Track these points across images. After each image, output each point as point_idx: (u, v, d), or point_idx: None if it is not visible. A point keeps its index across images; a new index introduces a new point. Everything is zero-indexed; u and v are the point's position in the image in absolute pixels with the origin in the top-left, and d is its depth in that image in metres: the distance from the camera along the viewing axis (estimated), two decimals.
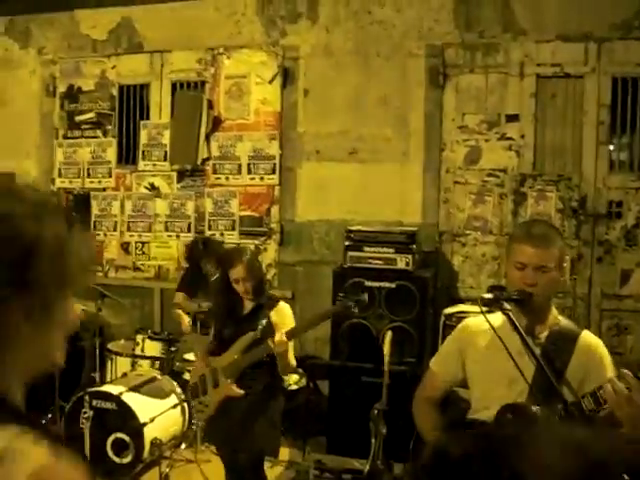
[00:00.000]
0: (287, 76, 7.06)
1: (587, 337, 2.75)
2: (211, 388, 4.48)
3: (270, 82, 7.11)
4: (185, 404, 5.81)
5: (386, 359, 5.17)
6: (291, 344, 4.27)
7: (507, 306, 2.58)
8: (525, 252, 2.66)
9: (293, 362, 4.33)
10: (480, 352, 2.85)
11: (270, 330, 4.27)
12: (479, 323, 2.85)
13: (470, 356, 2.90)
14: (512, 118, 6.47)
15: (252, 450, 4.31)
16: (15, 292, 1.21)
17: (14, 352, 1.24)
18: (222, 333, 4.50)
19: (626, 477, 1.19)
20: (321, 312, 4.30)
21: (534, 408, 2.61)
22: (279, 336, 4.11)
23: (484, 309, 2.67)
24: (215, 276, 5.96)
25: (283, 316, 4.37)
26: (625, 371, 2.39)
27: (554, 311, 2.81)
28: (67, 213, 1.34)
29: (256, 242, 7.18)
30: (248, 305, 4.44)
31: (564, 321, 2.80)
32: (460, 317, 5.59)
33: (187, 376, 6.05)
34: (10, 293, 1.21)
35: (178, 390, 5.88)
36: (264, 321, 4.30)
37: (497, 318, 2.73)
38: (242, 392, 4.30)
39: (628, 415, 2.33)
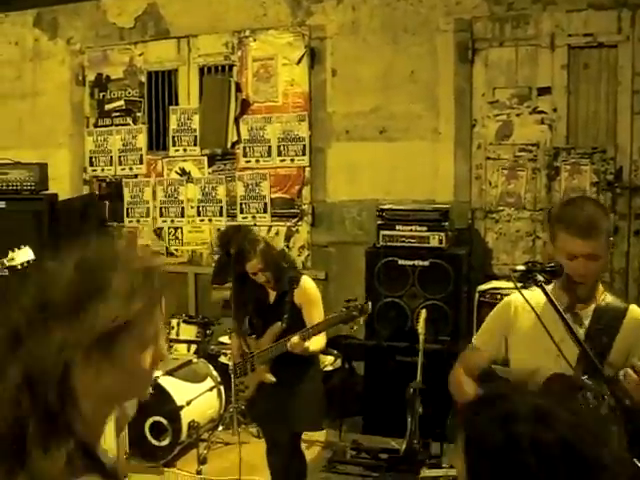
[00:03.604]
0: (314, 56, 7.03)
1: (634, 312, 2.69)
2: (249, 371, 4.56)
3: (297, 63, 7.10)
4: (221, 387, 5.87)
5: (421, 338, 5.21)
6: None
7: (540, 278, 2.51)
8: (574, 243, 2.59)
9: (317, 349, 4.32)
10: (524, 332, 2.80)
11: (297, 317, 4.32)
12: (530, 299, 2.72)
13: (513, 335, 2.84)
14: (544, 91, 6.38)
15: (289, 428, 4.38)
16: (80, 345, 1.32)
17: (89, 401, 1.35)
18: (253, 321, 4.57)
19: None
20: (328, 319, 4.26)
21: (583, 377, 2.56)
22: (295, 339, 4.13)
23: (518, 284, 2.61)
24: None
25: (306, 294, 4.36)
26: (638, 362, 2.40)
27: (600, 287, 2.75)
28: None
29: (288, 224, 7.20)
30: (272, 293, 4.46)
31: (610, 297, 2.73)
32: (494, 293, 5.58)
33: (223, 359, 6.12)
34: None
35: (214, 373, 5.94)
36: (287, 307, 4.32)
37: (541, 295, 2.60)
38: (273, 379, 4.36)
39: None
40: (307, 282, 4.41)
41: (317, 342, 4.27)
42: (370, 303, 4.19)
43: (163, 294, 1.43)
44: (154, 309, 1.41)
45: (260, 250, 4.31)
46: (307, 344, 4.16)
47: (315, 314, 4.30)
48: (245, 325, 4.66)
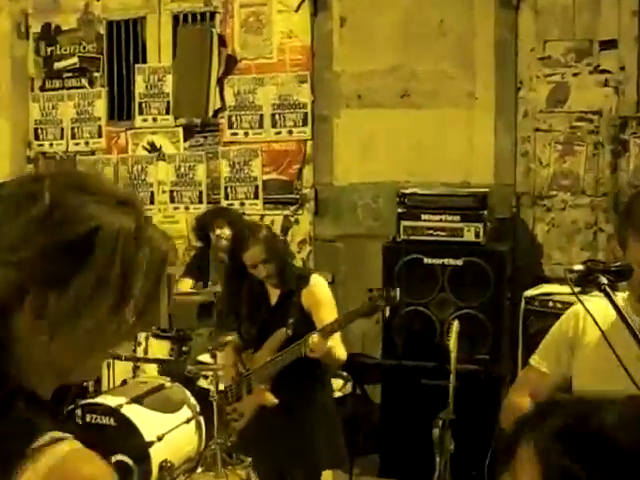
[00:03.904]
0: (318, 1, 7.02)
1: None
2: (245, 394, 4.58)
3: (297, 10, 7.10)
4: (201, 418, 5.86)
5: (452, 356, 5.17)
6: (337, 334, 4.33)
7: (604, 280, 2.50)
8: None
9: (339, 356, 4.36)
10: (589, 349, 2.81)
11: (304, 324, 4.33)
12: (595, 309, 2.70)
13: (579, 352, 2.86)
14: (608, 45, 6.36)
15: (309, 465, 4.40)
16: (46, 289, 1.29)
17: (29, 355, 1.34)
18: (246, 329, 4.59)
19: None
20: (350, 312, 4.30)
21: None
22: (315, 337, 4.14)
23: (576, 289, 2.59)
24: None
25: (317, 296, 4.40)
26: None
27: None
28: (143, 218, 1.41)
29: (285, 213, 7.22)
30: (274, 292, 4.48)
31: None
32: (545, 300, 5.55)
33: (203, 383, 6.11)
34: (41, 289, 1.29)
35: (192, 401, 5.93)
36: (294, 310, 4.36)
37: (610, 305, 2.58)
38: (275, 401, 4.38)
39: None
40: (318, 281, 4.47)
41: (339, 351, 4.33)
42: (398, 290, 4.20)
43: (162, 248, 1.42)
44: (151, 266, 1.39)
45: (263, 237, 4.35)
46: (330, 344, 4.17)
47: (329, 319, 4.32)
48: (235, 336, 4.70)
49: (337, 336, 4.34)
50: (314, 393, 4.44)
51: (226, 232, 6.18)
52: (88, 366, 1.43)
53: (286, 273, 4.40)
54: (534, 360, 3.01)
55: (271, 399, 4.38)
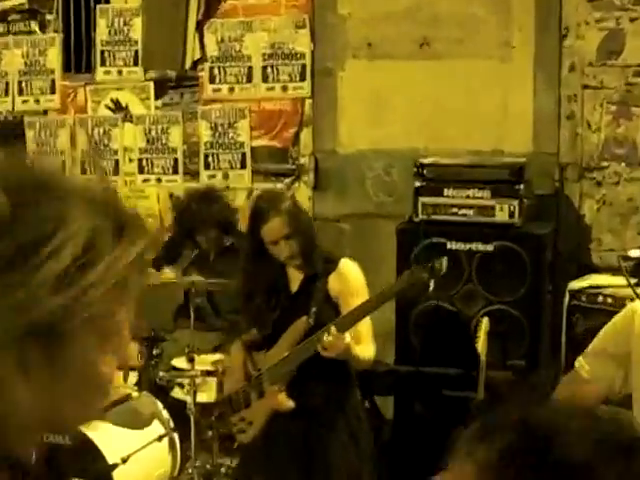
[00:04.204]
0: None
1: None
2: (255, 398, 4.63)
3: None
4: (175, 435, 5.87)
5: (481, 360, 5.18)
6: (367, 322, 4.39)
7: None
8: None
9: (369, 354, 4.46)
10: None
11: (331, 311, 4.44)
12: None
13: (637, 357, 2.92)
14: None
15: None
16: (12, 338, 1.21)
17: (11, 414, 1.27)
18: (262, 322, 4.66)
19: None
20: (383, 291, 4.33)
21: None
22: (331, 336, 4.19)
23: (632, 280, 2.63)
24: (219, 247, 6.06)
25: (346, 282, 4.48)
26: None
27: None
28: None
29: (278, 186, 7.22)
30: (296, 277, 4.56)
31: None
32: (594, 294, 5.56)
33: (178, 392, 6.11)
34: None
35: (164, 415, 5.91)
36: (319, 297, 4.43)
37: None
38: (291, 404, 4.43)
39: None
40: (349, 266, 4.56)
41: (365, 349, 4.41)
42: (445, 260, 4.23)
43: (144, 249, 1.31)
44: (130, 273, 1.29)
45: (285, 208, 4.42)
46: (349, 339, 4.21)
47: None
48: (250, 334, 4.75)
49: (367, 326, 4.40)
50: (338, 394, 4.50)
51: (212, 235, 6.26)
52: (82, 410, 1.34)
53: (312, 253, 4.47)
54: (578, 362, 3.08)
55: (286, 402, 4.43)
